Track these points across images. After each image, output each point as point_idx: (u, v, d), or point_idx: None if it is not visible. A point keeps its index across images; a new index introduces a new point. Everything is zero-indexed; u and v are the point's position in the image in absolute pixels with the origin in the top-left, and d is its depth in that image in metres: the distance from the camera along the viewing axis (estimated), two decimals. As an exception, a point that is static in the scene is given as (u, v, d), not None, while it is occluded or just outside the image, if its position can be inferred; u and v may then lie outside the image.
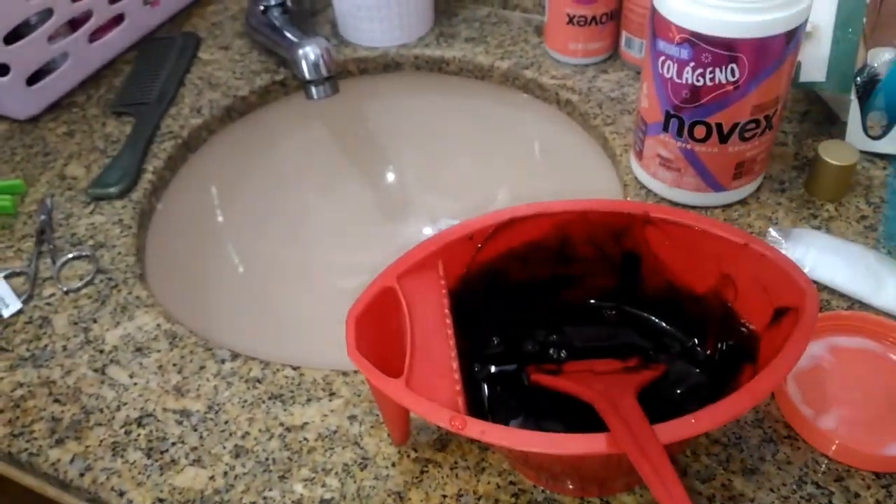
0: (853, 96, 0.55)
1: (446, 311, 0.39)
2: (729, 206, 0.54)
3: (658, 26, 0.48)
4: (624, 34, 0.66)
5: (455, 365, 0.36)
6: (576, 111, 0.65)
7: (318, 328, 0.69)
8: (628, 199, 0.56)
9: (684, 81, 0.48)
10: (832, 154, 0.52)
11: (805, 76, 0.57)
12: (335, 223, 0.77)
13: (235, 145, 0.70)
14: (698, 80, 0.47)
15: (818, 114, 0.61)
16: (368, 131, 0.78)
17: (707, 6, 0.44)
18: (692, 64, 0.47)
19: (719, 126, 0.49)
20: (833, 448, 0.41)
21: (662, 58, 0.48)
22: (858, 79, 0.55)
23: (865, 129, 0.56)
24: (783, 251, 0.50)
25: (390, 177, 0.80)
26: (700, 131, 0.49)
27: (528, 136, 0.72)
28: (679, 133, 0.50)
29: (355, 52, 0.73)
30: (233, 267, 0.70)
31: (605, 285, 0.44)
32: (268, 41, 0.70)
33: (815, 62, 0.57)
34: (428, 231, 0.77)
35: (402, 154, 0.79)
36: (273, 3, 0.70)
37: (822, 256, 0.49)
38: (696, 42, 0.46)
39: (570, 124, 0.66)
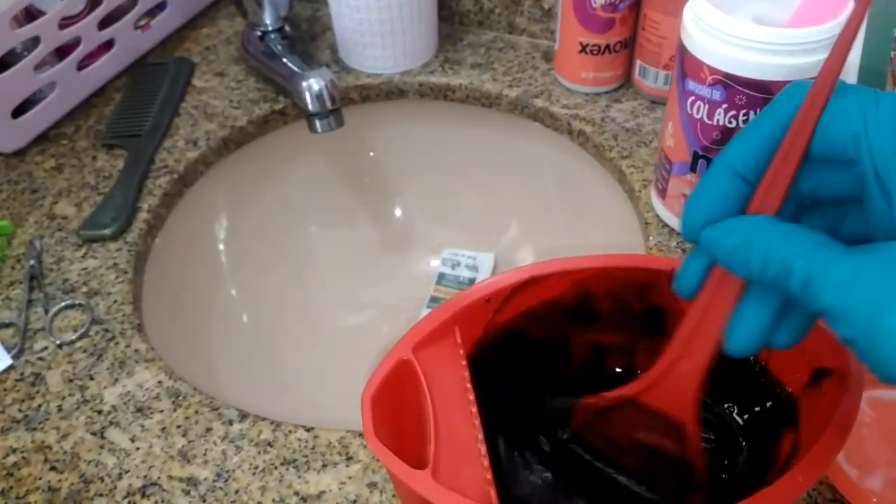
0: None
1: (468, 384, 0.36)
2: (756, 247, 0.52)
3: (688, 66, 0.45)
4: (638, 63, 0.63)
5: (483, 449, 0.33)
6: (589, 142, 0.63)
7: (324, 371, 0.66)
8: (650, 237, 0.54)
9: (715, 123, 0.45)
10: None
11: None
12: (338, 256, 0.75)
13: (233, 178, 0.67)
14: (730, 122, 0.45)
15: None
16: (371, 161, 0.75)
17: (743, 48, 0.42)
18: (725, 105, 0.44)
19: (750, 168, 0.47)
20: (873, 508, 0.39)
21: (692, 98, 0.46)
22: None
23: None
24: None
25: (395, 207, 0.77)
26: (730, 173, 0.47)
27: (539, 167, 0.70)
28: (708, 175, 0.48)
29: (357, 78, 0.70)
30: (234, 309, 0.67)
31: (626, 344, 0.42)
32: (266, 69, 0.67)
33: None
34: (435, 263, 0.75)
35: (407, 184, 0.76)
36: (271, 28, 0.68)
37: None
38: (731, 84, 0.43)
39: (583, 155, 0.64)
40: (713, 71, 0.44)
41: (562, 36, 0.64)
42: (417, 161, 0.75)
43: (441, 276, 0.74)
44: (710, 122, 0.46)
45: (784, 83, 0.43)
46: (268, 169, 0.70)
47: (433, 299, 0.73)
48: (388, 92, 0.71)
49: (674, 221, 0.53)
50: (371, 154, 0.75)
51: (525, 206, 0.73)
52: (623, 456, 0.37)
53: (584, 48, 0.63)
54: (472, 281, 0.74)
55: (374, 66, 0.70)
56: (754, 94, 0.43)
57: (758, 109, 0.44)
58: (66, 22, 0.64)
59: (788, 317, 0.27)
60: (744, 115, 0.44)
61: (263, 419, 0.45)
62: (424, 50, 0.71)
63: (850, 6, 0.43)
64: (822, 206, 0.28)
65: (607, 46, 0.62)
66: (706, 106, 0.45)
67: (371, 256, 0.75)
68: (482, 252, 0.75)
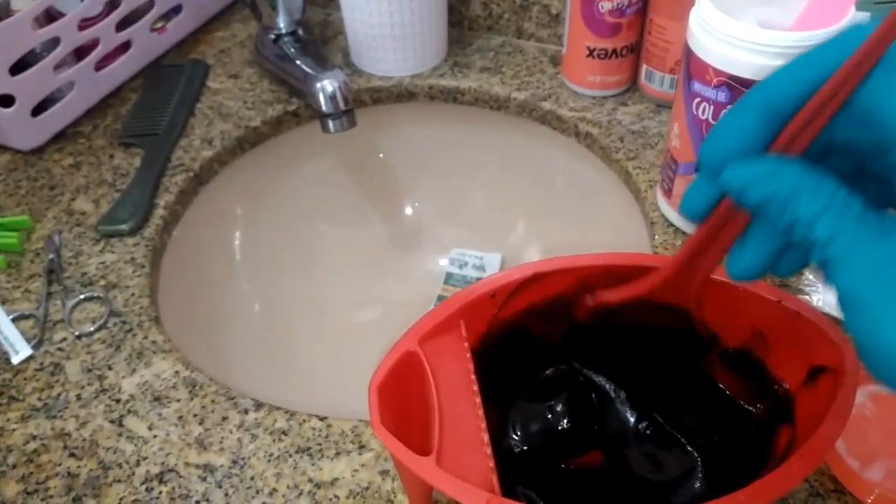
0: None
1: (472, 376, 0.37)
2: (760, 246, 0.53)
3: (694, 68, 0.47)
4: (644, 67, 0.65)
5: (485, 437, 0.34)
6: (596, 144, 0.64)
7: (333, 365, 0.67)
8: (655, 236, 0.55)
9: (720, 123, 0.47)
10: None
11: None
12: (348, 254, 0.76)
13: (247, 177, 0.69)
14: (736, 122, 0.46)
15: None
16: (382, 161, 0.77)
17: (747, 50, 0.43)
18: (730, 106, 0.46)
19: (755, 167, 0.48)
20: (871, 498, 0.40)
21: (698, 99, 0.47)
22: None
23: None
24: (818, 294, 0.49)
25: (404, 207, 0.79)
26: (735, 172, 0.48)
27: (546, 168, 0.71)
28: (713, 174, 0.49)
29: (369, 81, 0.71)
30: (248, 304, 0.68)
31: None
32: (280, 71, 0.68)
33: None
34: (443, 262, 0.76)
35: (417, 184, 0.78)
36: (284, 31, 0.69)
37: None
38: (735, 85, 0.45)
39: (590, 157, 0.65)
40: (718, 73, 0.45)
41: (569, 40, 0.65)
42: (427, 162, 0.76)
43: (449, 276, 0.75)
44: (715, 123, 0.47)
45: (787, 84, 0.44)
46: (280, 168, 0.71)
47: (440, 298, 0.74)
48: (399, 94, 0.72)
49: (679, 221, 0.54)
50: (381, 155, 0.76)
51: (532, 207, 0.74)
52: (631, 344, 0.39)
53: (591, 52, 0.64)
54: (478, 280, 0.75)
55: (385, 70, 0.71)
56: (759, 95, 0.44)
57: (762, 110, 0.45)
58: (85, 23, 0.65)
59: (791, 252, 0.27)
60: (748, 115, 0.45)
61: (278, 408, 0.46)
62: (434, 54, 0.72)
63: (852, 12, 0.44)
64: (851, 151, 0.26)
65: (614, 51, 0.64)
66: (711, 107, 0.46)
67: (380, 255, 0.77)
68: (489, 252, 0.76)
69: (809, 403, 0.36)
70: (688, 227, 0.54)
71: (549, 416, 0.42)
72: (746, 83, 0.44)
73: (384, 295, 0.74)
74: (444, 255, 0.76)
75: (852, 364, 0.34)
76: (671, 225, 0.55)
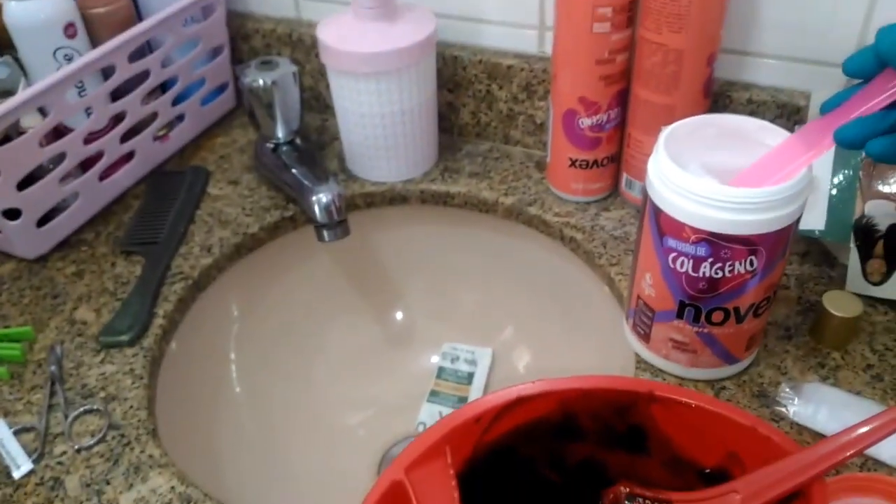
0: (852, 244, 0.57)
1: None
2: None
3: (665, 225, 0.47)
4: (625, 176, 0.68)
5: None
6: (580, 249, 0.67)
7: (325, 471, 0.68)
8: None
9: (701, 275, 0.47)
10: (837, 306, 0.54)
11: (804, 224, 0.58)
12: (343, 354, 0.77)
13: (243, 282, 0.71)
14: (717, 273, 0.46)
15: (817, 255, 0.63)
16: (376, 262, 0.79)
17: (727, 209, 0.44)
18: (710, 259, 0.46)
19: (737, 309, 0.49)
20: None
21: (674, 254, 0.47)
22: (857, 228, 0.57)
23: (865, 276, 0.58)
24: (795, 408, 0.51)
25: (398, 305, 0.81)
26: (718, 316, 0.49)
27: (534, 269, 0.73)
28: (696, 320, 0.50)
29: (363, 186, 0.74)
30: (243, 409, 0.69)
31: (609, 459, 0.44)
32: (277, 179, 0.71)
33: (813, 211, 0.59)
34: (435, 358, 0.77)
35: (410, 283, 0.80)
36: (283, 140, 0.72)
37: (833, 412, 0.50)
38: (715, 241, 0.45)
39: (575, 260, 0.68)
40: (696, 231, 0.45)
41: (552, 151, 0.69)
42: (419, 261, 0.79)
43: (441, 370, 0.77)
44: (695, 275, 0.47)
45: (766, 235, 0.45)
46: (277, 271, 0.74)
47: (433, 393, 0.75)
48: (392, 198, 0.75)
49: (661, 363, 0.54)
50: (375, 255, 0.79)
51: (521, 305, 0.76)
52: None
53: (573, 163, 0.67)
54: (470, 375, 0.76)
55: (379, 176, 0.74)
56: (740, 247, 0.45)
57: (743, 260, 0.46)
58: (91, 137, 0.68)
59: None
60: (729, 266, 0.46)
61: (271, 526, 0.47)
62: (425, 160, 0.75)
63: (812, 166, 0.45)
64: None
65: (595, 161, 0.67)
66: (691, 261, 0.47)
67: (374, 353, 0.78)
68: (481, 347, 0.78)
69: None
70: (672, 368, 0.54)
71: None
72: (727, 238, 0.45)
73: (377, 394, 0.76)
74: (436, 351, 0.78)
75: (820, 490, 0.35)
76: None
